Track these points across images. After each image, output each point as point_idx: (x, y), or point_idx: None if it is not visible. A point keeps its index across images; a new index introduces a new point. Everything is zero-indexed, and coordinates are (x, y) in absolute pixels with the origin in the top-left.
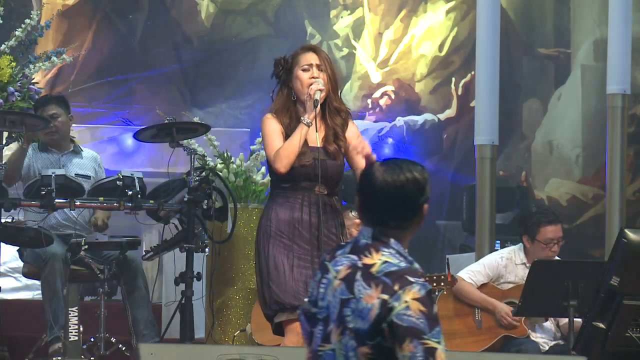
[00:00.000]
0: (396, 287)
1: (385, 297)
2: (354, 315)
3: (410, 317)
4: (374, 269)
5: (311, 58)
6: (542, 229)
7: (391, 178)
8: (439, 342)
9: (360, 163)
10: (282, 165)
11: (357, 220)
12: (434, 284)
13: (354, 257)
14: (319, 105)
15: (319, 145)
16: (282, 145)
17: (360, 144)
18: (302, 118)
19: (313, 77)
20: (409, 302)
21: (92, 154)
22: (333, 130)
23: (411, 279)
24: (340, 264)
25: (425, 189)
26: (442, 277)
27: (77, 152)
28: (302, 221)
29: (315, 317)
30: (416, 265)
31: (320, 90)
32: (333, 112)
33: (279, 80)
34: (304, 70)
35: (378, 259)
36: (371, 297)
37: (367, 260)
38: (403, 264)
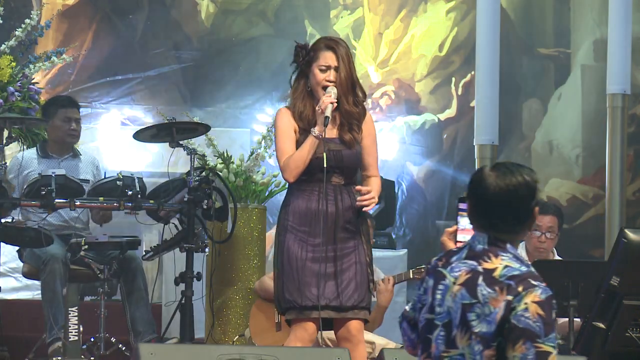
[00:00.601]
0: (520, 289)
1: (510, 298)
2: (479, 320)
3: (527, 319)
4: (496, 273)
5: (330, 59)
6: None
7: (504, 183)
8: (553, 347)
9: (368, 166)
10: (291, 176)
11: None
12: None
13: (473, 262)
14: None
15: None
16: (291, 155)
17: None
18: (312, 130)
19: (328, 80)
20: (528, 304)
21: (90, 156)
22: (347, 119)
23: (534, 282)
24: (458, 270)
25: (536, 192)
26: None
27: (76, 155)
28: (319, 212)
29: (433, 322)
30: (533, 269)
31: (332, 103)
32: (351, 105)
33: (298, 66)
34: (321, 70)
35: (499, 264)
36: (497, 301)
37: (487, 265)
38: (524, 268)
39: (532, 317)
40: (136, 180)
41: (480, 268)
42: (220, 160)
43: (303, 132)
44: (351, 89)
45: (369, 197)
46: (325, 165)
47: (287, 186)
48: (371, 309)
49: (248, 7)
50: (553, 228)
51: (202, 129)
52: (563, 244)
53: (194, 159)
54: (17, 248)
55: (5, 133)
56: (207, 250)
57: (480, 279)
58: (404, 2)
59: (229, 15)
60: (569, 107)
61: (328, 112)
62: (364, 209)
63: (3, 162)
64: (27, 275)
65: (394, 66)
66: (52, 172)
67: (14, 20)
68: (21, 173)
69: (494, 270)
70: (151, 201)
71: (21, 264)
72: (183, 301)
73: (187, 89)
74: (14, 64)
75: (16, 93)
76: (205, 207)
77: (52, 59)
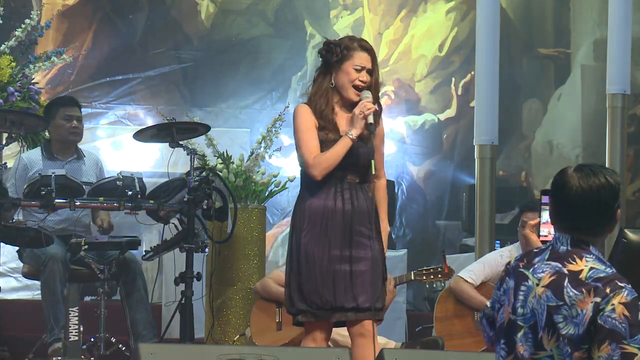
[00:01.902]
0: (607, 290)
1: (598, 300)
2: (566, 322)
3: (613, 320)
4: (582, 276)
5: (366, 61)
6: (524, 215)
7: (586, 184)
8: (639, 349)
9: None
10: (320, 174)
11: None
12: (432, 277)
13: (557, 264)
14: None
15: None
16: (323, 155)
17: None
18: (347, 132)
19: (360, 81)
20: (615, 305)
21: (93, 158)
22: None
23: (620, 284)
24: (541, 271)
25: (618, 194)
26: (439, 269)
27: (80, 157)
28: (336, 211)
29: (517, 324)
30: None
31: (371, 109)
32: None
33: (325, 63)
34: (355, 69)
35: (584, 266)
36: (585, 303)
37: (572, 267)
38: (609, 270)
39: (618, 319)
40: (136, 181)
41: (565, 270)
42: (220, 160)
43: (322, 129)
44: (377, 93)
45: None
46: (373, 172)
47: (300, 184)
48: None
49: (248, 7)
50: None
51: (202, 129)
52: None
53: (194, 159)
54: (17, 248)
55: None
56: (207, 250)
57: (566, 281)
58: (404, 2)
59: (229, 15)
60: (569, 107)
61: (372, 120)
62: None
63: (3, 163)
64: (27, 275)
65: (394, 66)
66: (52, 172)
67: (14, 21)
68: (25, 174)
69: (579, 272)
70: (151, 201)
71: (21, 264)
72: (183, 301)
73: (187, 89)
74: (14, 64)
75: (16, 93)
76: (205, 207)
77: (52, 59)
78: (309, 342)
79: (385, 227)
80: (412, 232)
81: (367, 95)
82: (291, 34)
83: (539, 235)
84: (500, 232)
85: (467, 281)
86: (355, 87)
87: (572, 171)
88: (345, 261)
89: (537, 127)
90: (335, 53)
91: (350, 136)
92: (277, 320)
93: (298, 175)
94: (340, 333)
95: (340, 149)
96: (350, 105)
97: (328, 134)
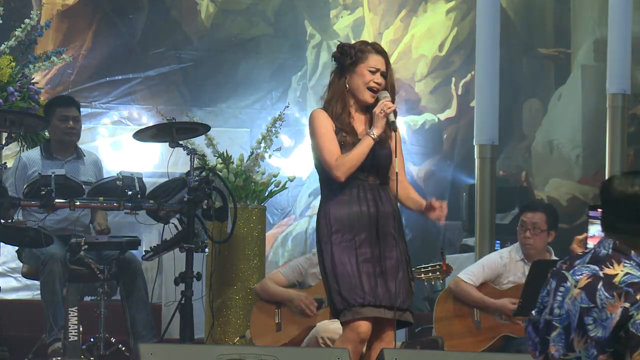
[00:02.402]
0: (638, 297)
1: (627, 305)
2: (595, 324)
3: None
4: (616, 280)
5: (380, 63)
6: (523, 215)
7: (625, 189)
8: None
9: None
10: (343, 175)
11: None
12: (430, 274)
13: (595, 267)
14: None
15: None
16: (346, 155)
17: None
18: (369, 132)
19: (375, 82)
20: None
21: (93, 157)
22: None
23: None
24: (579, 273)
25: None
26: (438, 266)
27: (79, 157)
28: (361, 214)
29: (552, 324)
30: None
31: (392, 108)
32: None
33: (339, 67)
34: (370, 71)
35: (620, 270)
36: (615, 307)
37: (608, 271)
38: None
39: None
40: (136, 180)
41: (601, 273)
42: (220, 160)
43: (338, 132)
44: (393, 95)
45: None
46: (397, 170)
47: (321, 191)
48: None
49: (248, 7)
50: (538, 225)
51: (202, 129)
52: (563, 244)
53: (193, 159)
54: (16, 248)
55: (5, 133)
56: (207, 250)
57: (600, 284)
58: (404, 2)
59: (229, 15)
60: (569, 107)
61: (393, 117)
62: (440, 222)
63: (3, 163)
64: (26, 275)
65: (394, 66)
66: (52, 172)
67: (13, 20)
68: (25, 173)
69: (614, 276)
70: (151, 201)
71: (21, 264)
72: (183, 301)
73: (187, 89)
74: (13, 64)
75: (16, 93)
76: (205, 207)
77: (51, 59)
78: (345, 343)
79: (421, 202)
80: (412, 232)
81: (386, 94)
82: (291, 34)
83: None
84: (500, 232)
85: (466, 283)
86: (370, 89)
87: (618, 176)
88: (376, 262)
89: (538, 127)
90: (349, 55)
91: (372, 136)
92: (277, 321)
93: (298, 175)
94: (331, 338)
95: (362, 149)
96: (364, 108)
97: (346, 137)
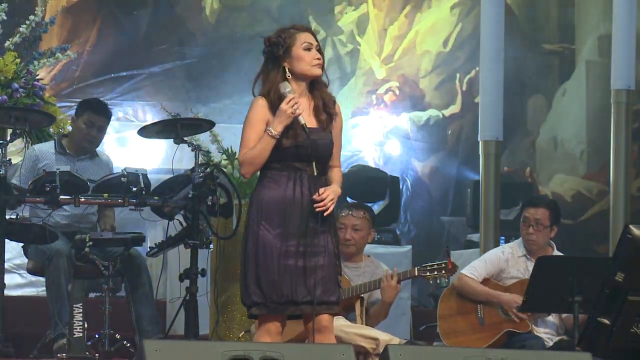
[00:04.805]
0: None
1: None
2: None
3: None
4: None
5: (310, 38)
6: (525, 211)
7: None
8: None
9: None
10: (247, 172)
11: (355, 222)
12: (435, 272)
13: None
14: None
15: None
16: (249, 152)
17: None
18: (267, 129)
19: (317, 59)
20: None
21: (105, 157)
22: (322, 100)
23: None
24: None
25: None
26: (443, 265)
27: (93, 156)
28: (294, 202)
29: None
30: None
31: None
32: (321, 85)
33: (272, 58)
34: (306, 49)
35: None
36: None
37: None
38: None
39: None
40: (141, 177)
41: None
42: (224, 157)
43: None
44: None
45: (327, 200)
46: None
47: (260, 171)
48: (375, 305)
49: (252, 4)
50: (540, 221)
51: (206, 125)
52: (568, 240)
53: (198, 155)
54: (22, 245)
55: (10, 130)
56: (211, 246)
57: None
58: None
59: (233, 11)
60: (574, 103)
61: (303, 120)
62: (325, 214)
63: (8, 159)
64: (31, 271)
65: (399, 62)
66: (57, 169)
67: (18, 17)
68: (35, 165)
69: None
70: (156, 197)
71: (26, 261)
72: (187, 297)
73: (191, 85)
74: (18, 60)
75: (20, 89)
76: (209, 203)
77: (56, 55)
78: (264, 336)
79: (335, 189)
80: (416, 228)
81: (290, 89)
82: None
83: None
84: (505, 228)
85: (469, 277)
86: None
87: None
88: (300, 255)
89: (542, 123)
90: (280, 44)
91: (271, 134)
92: None
93: None
94: (344, 330)
95: (262, 146)
96: (311, 89)
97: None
